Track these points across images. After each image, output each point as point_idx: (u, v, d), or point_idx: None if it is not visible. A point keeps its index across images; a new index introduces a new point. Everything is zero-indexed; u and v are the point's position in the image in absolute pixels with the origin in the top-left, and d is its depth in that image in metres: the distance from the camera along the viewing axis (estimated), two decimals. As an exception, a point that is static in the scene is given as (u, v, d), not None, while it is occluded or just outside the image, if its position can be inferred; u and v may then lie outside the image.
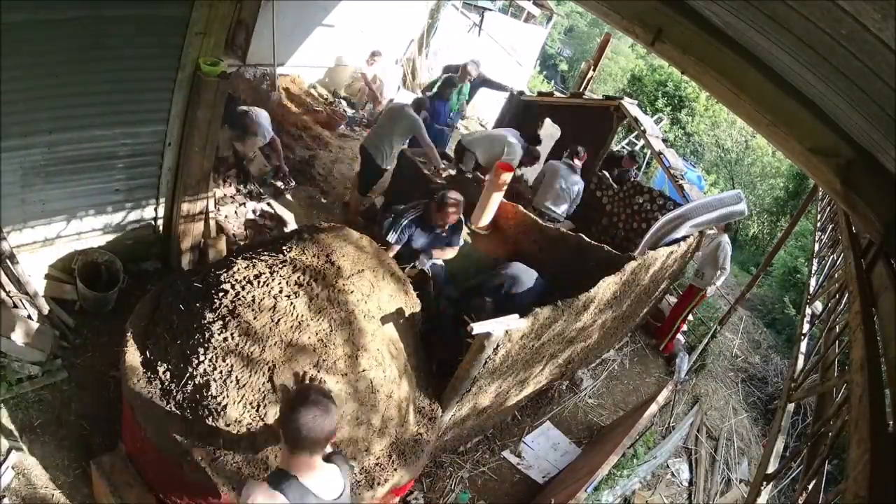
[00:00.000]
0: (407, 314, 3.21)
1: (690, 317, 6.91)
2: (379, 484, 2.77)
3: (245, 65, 7.22)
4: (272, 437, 2.44)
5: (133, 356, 2.75)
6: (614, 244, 5.44)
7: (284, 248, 2.89)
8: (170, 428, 2.54)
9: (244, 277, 2.74)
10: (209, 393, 2.52)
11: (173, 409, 2.59)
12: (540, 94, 7.67)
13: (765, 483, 2.71)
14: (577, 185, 5.82)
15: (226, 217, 5.11)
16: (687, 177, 6.37)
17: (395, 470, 2.86)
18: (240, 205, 5.32)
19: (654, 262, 4.60)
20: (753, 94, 2.23)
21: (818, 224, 5.55)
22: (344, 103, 8.36)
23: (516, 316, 2.97)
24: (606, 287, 3.85)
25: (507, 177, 4.56)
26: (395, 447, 2.93)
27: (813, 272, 4.74)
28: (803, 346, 3.84)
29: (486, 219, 4.74)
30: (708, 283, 6.04)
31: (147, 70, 3.46)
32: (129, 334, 2.86)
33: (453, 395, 3.25)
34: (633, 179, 6.54)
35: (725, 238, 5.95)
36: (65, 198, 3.69)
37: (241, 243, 5.02)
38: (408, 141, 5.74)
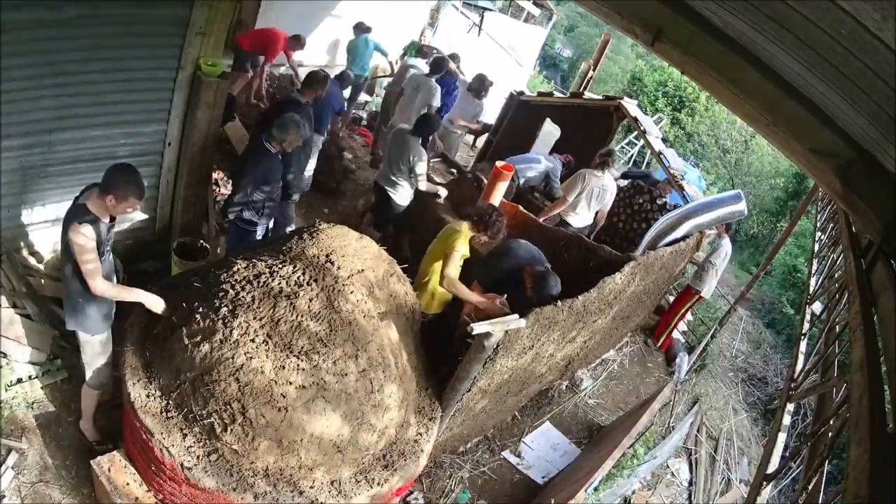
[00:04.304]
0: (407, 314, 3.21)
1: (690, 316, 6.90)
2: (379, 484, 2.78)
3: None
4: None
5: (133, 356, 2.75)
6: (614, 244, 5.43)
7: (284, 248, 2.89)
8: (170, 428, 2.55)
9: (244, 277, 2.74)
10: (210, 393, 2.52)
11: (173, 408, 2.59)
12: (540, 94, 7.67)
13: (765, 483, 2.71)
14: (608, 191, 5.46)
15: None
16: (687, 177, 6.36)
17: (396, 470, 2.86)
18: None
19: (654, 263, 4.60)
20: (753, 95, 2.24)
21: (818, 224, 5.55)
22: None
23: (516, 315, 2.97)
24: (606, 287, 3.85)
25: (506, 177, 4.56)
26: (396, 447, 2.93)
27: (813, 272, 4.74)
28: (803, 346, 3.84)
29: (485, 219, 4.74)
30: (703, 284, 6.03)
31: (147, 70, 3.46)
32: (129, 334, 2.86)
33: (453, 395, 3.25)
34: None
35: (726, 240, 5.93)
36: (65, 198, 3.69)
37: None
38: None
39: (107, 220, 2.74)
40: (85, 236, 2.56)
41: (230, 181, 5.34)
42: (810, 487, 2.36)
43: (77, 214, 2.61)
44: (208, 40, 3.53)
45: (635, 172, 6.90)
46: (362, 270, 2.91)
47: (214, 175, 5.06)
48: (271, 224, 4.45)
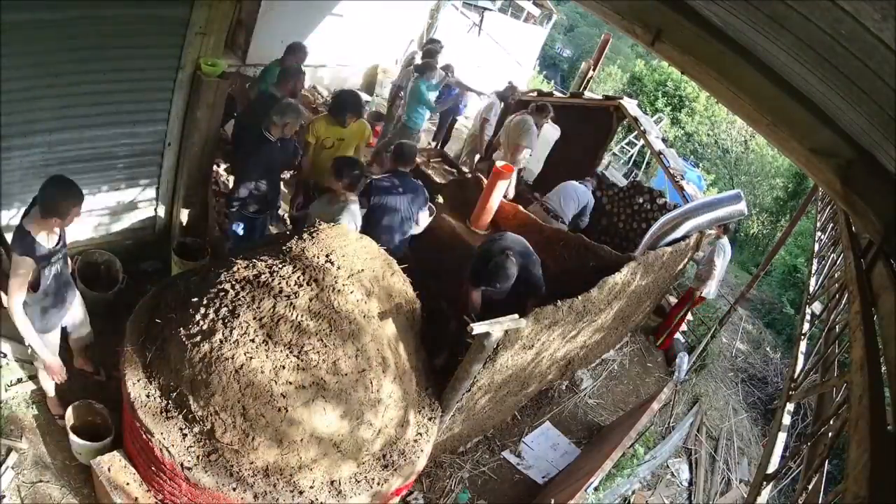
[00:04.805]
0: (407, 314, 3.21)
1: (690, 316, 6.89)
2: (379, 484, 2.78)
3: (245, 64, 7.22)
4: None
5: (133, 356, 2.75)
6: (614, 244, 5.43)
7: (284, 248, 2.89)
8: (170, 428, 2.55)
9: (244, 277, 2.74)
10: (209, 393, 2.52)
11: (173, 408, 2.59)
12: (540, 93, 7.66)
13: (765, 483, 2.71)
14: (587, 198, 5.70)
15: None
16: (687, 177, 6.35)
17: (395, 470, 2.86)
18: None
19: (654, 262, 4.60)
20: (753, 95, 2.23)
21: (818, 224, 5.54)
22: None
23: (516, 315, 2.97)
24: (606, 287, 3.85)
25: (506, 177, 4.57)
26: (396, 447, 2.93)
27: (813, 272, 4.74)
28: (803, 346, 3.84)
29: (485, 219, 4.74)
30: (704, 283, 6.03)
31: (147, 70, 3.46)
32: (129, 334, 2.86)
33: (453, 395, 3.25)
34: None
35: (725, 240, 5.92)
36: (64, 198, 3.69)
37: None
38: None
39: (53, 240, 2.71)
40: (23, 267, 2.54)
41: (231, 177, 5.35)
42: (810, 487, 2.36)
43: (19, 243, 2.55)
44: (208, 40, 3.53)
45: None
46: (362, 270, 2.91)
47: (214, 174, 5.06)
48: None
